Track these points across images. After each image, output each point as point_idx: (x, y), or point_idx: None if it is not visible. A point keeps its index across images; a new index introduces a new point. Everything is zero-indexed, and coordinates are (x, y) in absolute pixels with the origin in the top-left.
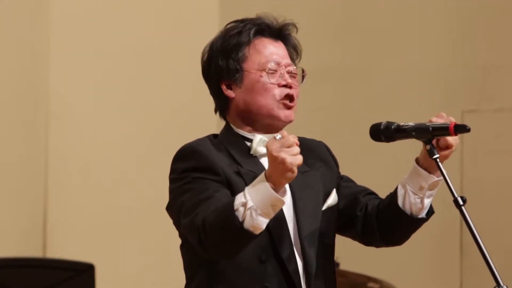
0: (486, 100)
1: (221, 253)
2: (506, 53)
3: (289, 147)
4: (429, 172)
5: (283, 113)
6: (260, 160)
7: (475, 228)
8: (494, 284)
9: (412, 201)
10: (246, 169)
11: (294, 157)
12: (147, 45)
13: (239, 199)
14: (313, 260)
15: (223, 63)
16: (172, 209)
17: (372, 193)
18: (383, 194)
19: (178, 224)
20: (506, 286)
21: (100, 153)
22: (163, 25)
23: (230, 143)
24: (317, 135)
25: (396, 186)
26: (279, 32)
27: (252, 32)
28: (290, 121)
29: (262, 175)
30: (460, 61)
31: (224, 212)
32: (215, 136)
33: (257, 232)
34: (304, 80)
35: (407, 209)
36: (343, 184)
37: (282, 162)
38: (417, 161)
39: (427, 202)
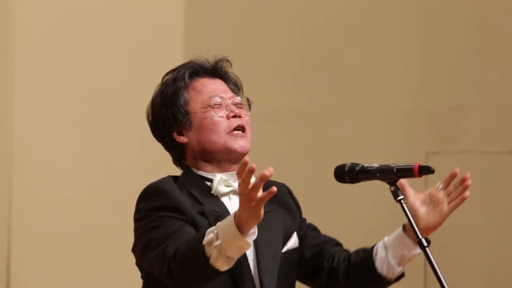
0: (450, 142)
1: (187, 285)
2: (469, 95)
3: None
4: (415, 242)
5: (237, 144)
6: (222, 199)
7: (439, 269)
8: None
9: (390, 266)
10: (209, 208)
11: (259, 195)
12: (112, 84)
13: (209, 234)
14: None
15: (168, 113)
16: (136, 247)
17: (339, 244)
18: (347, 236)
19: (142, 261)
20: None
21: (65, 192)
22: (128, 67)
23: (191, 184)
24: (280, 177)
25: (374, 245)
26: (214, 70)
27: (186, 75)
28: (246, 151)
29: (232, 215)
30: (424, 103)
31: (194, 245)
32: (174, 178)
33: (222, 270)
34: (251, 108)
35: (383, 271)
36: (310, 233)
37: (248, 202)
38: (404, 228)
39: (404, 268)
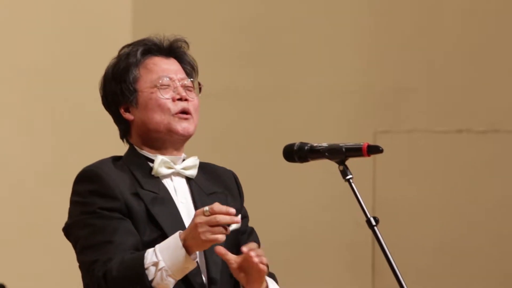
0: (398, 121)
1: None
2: (418, 75)
3: (214, 225)
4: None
5: (180, 126)
6: (162, 181)
7: (387, 248)
8: None
9: None
10: (147, 189)
11: (215, 236)
12: (59, 65)
13: (150, 257)
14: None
15: (117, 88)
16: (68, 232)
17: None
18: (296, 215)
19: (74, 249)
20: None
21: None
22: (75, 47)
23: (133, 164)
24: (228, 157)
25: None
26: (170, 49)
27: (139, 52)
28: (189, 134)
29: (176, 236)
30: (373, 82)
31: (134, 269)
32: (118, 158)
33: None
34: (201, 91)
35: None
36: (245, 237)
37: (205, 239)
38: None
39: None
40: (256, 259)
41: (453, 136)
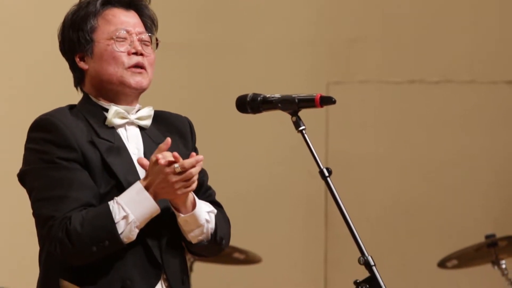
0: (351, 72)
1: (85, 261)
2: (371, 26)
3: (188, 180)
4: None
5: (133, 80)
6: (117, 131)
7: (340, 199)
8: (358, 254)
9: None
10: (102, 138)
11: (190, 188)
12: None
13: (117, 212)
14: (167, 232)
15: (74, 36)
16: (23, 179)
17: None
18: (249, 167)
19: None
20: (371, 256)
21: None
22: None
23: (88, 112)
24: (182, 107)
25: None
26: (130, 2)
27: (99, 2)
28: (142, 88)
29: (140, 188)
30: (325, 34)
31: (103, 225)
32: (73, 106)
33: (129, 242)
34: (158, 47)
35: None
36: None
37: (181, 193)
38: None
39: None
40: (161, 160)
41: (406, 87)
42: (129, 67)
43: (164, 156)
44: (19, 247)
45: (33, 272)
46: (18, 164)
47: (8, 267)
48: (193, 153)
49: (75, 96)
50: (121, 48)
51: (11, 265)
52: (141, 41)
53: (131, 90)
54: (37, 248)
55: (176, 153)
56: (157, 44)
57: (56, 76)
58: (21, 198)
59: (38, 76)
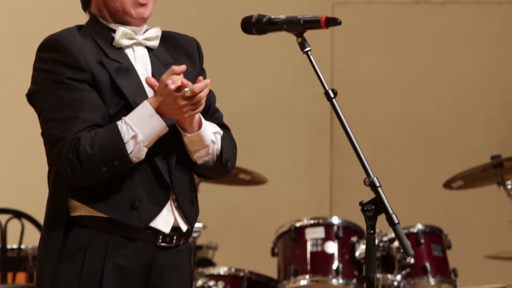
0: None
1: (95, 181)
2: None
3: (196, 103)
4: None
5: (134, 11)
6: (125, 51)
7: (345, 120)
8: (363, 174)
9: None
10: (111, 59)
11: (198, 111)
12: None
13: (126, 131)
14: (175, 152)
15: None
16: (32, 99)
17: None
18: (255, 89)
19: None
20: (376, 178)
21: None
22: None
23: (96, 32)
24: (189, 29)
25: None
26: None
27: None
28: (144, 18)
29: (148, 107)
30: None
31: (113, 145)
32: (80, 27)
33: (138, 161)
34: None
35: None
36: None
37: (188, 116)
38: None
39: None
40: (172, 86)
41: (411, 7)
42: None
43: (174, 80)
44: (26, 168)
45: (41, 192)
46: (24, 85)
47: (16, 188)
48: (201, 77)
49: (81, 18)
50: None
51: (19, 186)
52: None
53: (132, 20)
54: (44, 169)
55: (185, 80)
56: None
57: None
58: (29, 118)
59: None
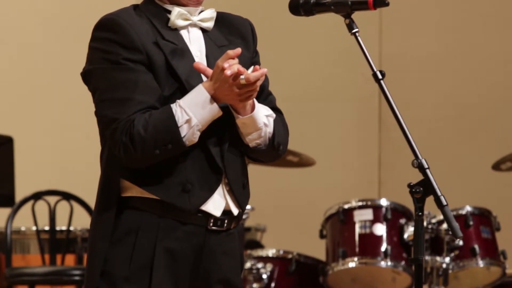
0: None
1: (147, 164)
2: None
3: (251, 90)
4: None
5: None
6: (180, 32)
7: (393, 101)
8: (411, 156)
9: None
10: (167, 40)
11: (252, 98)
12: None
13: (180, 115)
14: (227, 135)
15: None
16: (87, 78)
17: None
18: (303, 70)
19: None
20: (424, 160)
21: (18, 26)
22: None
23: (151, 13)
24: (238, 10)
25: None
26: None
27: None
28: (199, 2)
29: (202, 91)
30: None
31: (167, 128)
32: (136, 6)
33: (191, 144)
34: None
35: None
36: (262, 96)
37: (242, 101)
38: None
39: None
40: (228, 72)
41: None
42: None
43: (231, 66)
44: (75, 150)
45: (90, 174)
46: (76, 65)
47: (65, 170)
48: (257, 67)
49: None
50: None
51: (68, 168)
52: None
53: (189, 2)
54: (92, 151)
55: (241, 68)
56: None
57: None
58: (79, 99)
59: None
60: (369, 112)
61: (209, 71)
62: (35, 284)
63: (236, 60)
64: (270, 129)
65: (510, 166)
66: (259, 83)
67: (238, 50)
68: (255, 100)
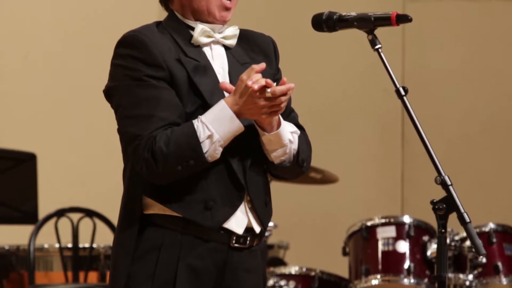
0: None
1: (170, 180)
2: None
3: (275, 105)
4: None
5: (219, 13)
6: (203, 49)
7: (416, 117)
8: (434, 173)
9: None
10: (189, 56)
11: (276, 114)
12: None
13: (202, 131)
14: (250, 152)
15: None
16: (109, 95)
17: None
18: (326, 85)
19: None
20: (447, 176)
21: (41, 43)
22: None
23: (174, 29)
24: (260, 26)
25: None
26: None
27: None
28: (225, 21)
29: (224, 106)
30: None
31: (189, 144)
32: (158, 23)
33: (213, 161)
34: None
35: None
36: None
37: (266, 116)
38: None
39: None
40: (255, 86)
41: (482, 3)
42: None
43: (257, 80)
44: (98, 167)
45: (113, 191)
46: (99, 82)
47: (88, 187)
48: (284, 79)
49: (151, 16)
50: None
51: (91, 185)
52: None
53: (214, 21)
54: (115, 168)
55: (269, 80)
56: None
57: None
58: (102, 116)
59: None
60: (392, 128)
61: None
62: None
63: (260, 75)
64: (295, 145)
65: None
66: (284, 98)
67: (263, 65)
68: (280, 116)
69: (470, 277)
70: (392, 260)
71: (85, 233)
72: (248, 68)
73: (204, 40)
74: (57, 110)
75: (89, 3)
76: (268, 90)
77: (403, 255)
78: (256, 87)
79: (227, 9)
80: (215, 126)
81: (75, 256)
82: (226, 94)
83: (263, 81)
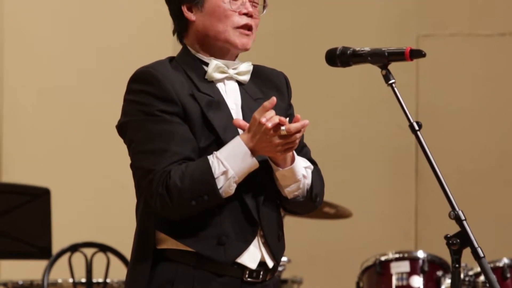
0: (441, 25)
1: (184, 215)
2: None
3: (290, 142)
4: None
5: (240, 41)
6: (217, 85)
7: (430, 153)
8: (449, 208)
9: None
10: (203, 92)
11: (291, 150)
12: None
13: (217, 166)
14: (263, 187)
15: None
16: (122, 130)
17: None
18: (339, 120)
19: (128, 148)
20: (461, 211)
21: (54, 78)
22: None
23: (188, 65)
24: (272, 61)
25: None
26: None
27: None
28: (246, 49)
29: (240, 143)
30: None
31: (203, 180)
32: (172, 59)
33: (227, 196)
34: (265, 10)
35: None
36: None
37: (281, 154)
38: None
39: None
40: (269, 124)
41: (496, 39)
42: (238, 27)
43: (270, 118)
44: (111, 202)
45: (126, 226)
46: (109, 117)
47: (101, 222)
48: (298, 116)
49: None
50: (233, 7)
51: (105, 219)
52: (251, 2)
53: (235, 50)
54: (129, 202)
55: (282, 118)
56: (264, 7)
57: (149, 28)
58: (115, 151)
59: (130, 29)
60: (405, 163)
61: (246, 125)
62: None
63: (273, 112)
64: (308, 180)
65: None
66: (299, 135)
67: (273, 100)
68: (294, 152)
69: None
70: None
71: (99, 268)
72: (261, 105)
73: (218, 76)
74: (70, 145)
75: (103, 38)
76: (283, 128)
77: None
78: (270, 125)
79: (247, 35)
80: (230, 162)
81: None
82: (239, 129)
83: (276, 119)
